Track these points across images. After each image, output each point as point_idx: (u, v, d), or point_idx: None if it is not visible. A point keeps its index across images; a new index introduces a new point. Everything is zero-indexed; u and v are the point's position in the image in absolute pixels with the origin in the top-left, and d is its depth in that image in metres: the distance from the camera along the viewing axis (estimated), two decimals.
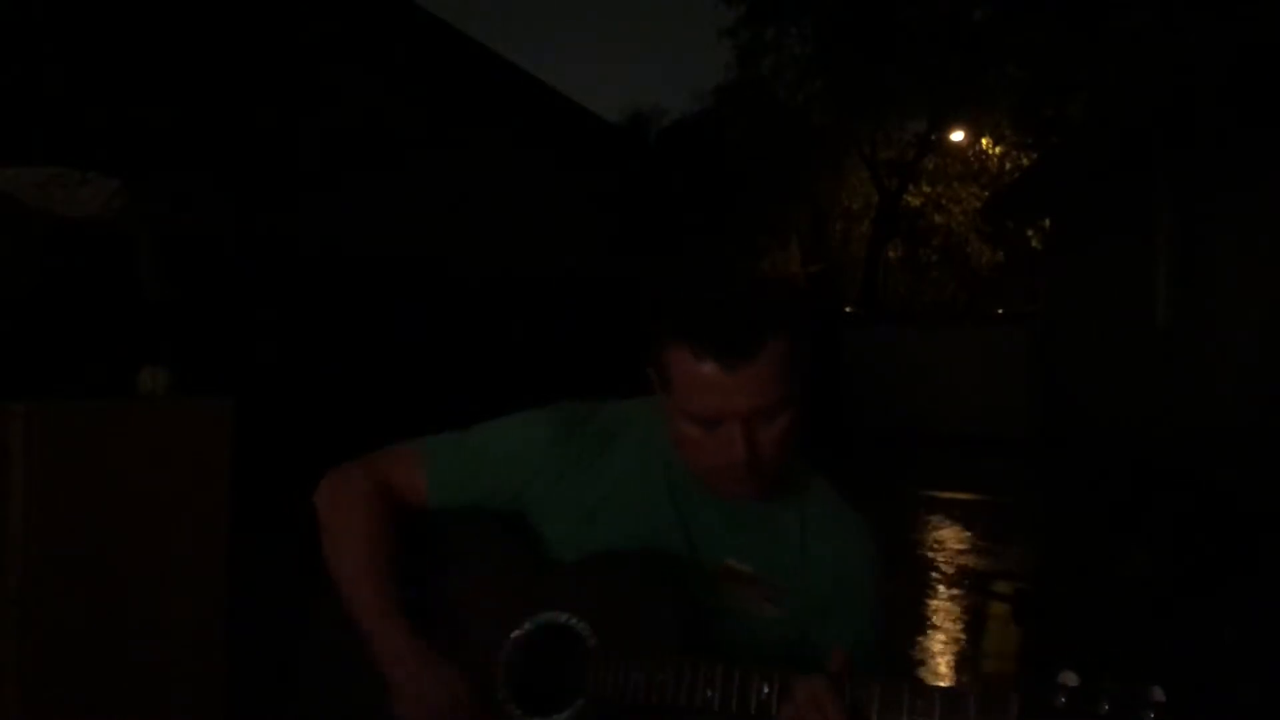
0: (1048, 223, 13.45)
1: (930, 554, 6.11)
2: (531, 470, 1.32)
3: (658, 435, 1.29)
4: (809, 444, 1.30)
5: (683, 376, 1.16)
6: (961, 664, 4.08)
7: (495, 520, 1.33)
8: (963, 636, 4.43)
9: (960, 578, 5.45)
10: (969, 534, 6.76)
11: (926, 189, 19.10)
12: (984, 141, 18.40)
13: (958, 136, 18.00)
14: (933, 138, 17.94)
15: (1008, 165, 18.01)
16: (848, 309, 17.43)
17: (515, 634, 1.23)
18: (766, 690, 1.09)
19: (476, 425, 1.38)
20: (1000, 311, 16.85)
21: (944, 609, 4.87)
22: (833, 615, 1.28)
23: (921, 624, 4.58)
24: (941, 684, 3.77)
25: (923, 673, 3.93)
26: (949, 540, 6.55)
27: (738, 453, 1.16)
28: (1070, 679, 1.00)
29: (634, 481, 1.31)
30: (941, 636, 4.43)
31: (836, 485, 1.38)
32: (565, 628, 1.20)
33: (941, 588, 5.27)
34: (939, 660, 4.11)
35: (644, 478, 1.31)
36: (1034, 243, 17.01)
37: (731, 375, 1.13)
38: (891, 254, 19.95)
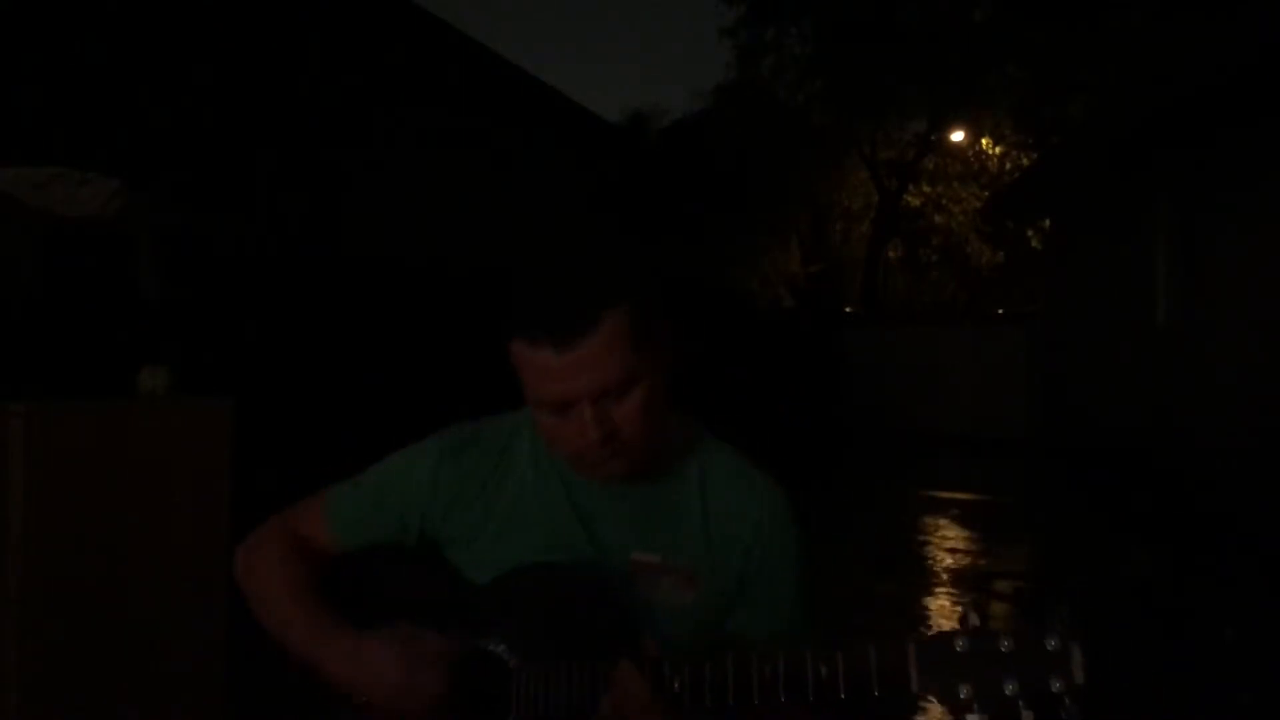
0: (1048, 223, 13.45)
1: (930, 554, 6.11)
2: (427, 497, 1.30)
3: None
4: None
5: (526, 366, 1.14)
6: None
7: (408, 556, 1.33)
8: None
9: (960, 578, 5.45)
10: (969, 534, 6.76)
11: (926, 189, 19.09)
12: (984, 141, 18.39)
13: (958, 136, 17.99)
14: (933, 138, 17.94)
15: (1008, 165, 18.00)
16: (848, 309, 17.44)
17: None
18: (600, 681, 1.09)
19: (372, 465, 1.37)
20: (1000, 311, 16.84)
21: (944, 609, 4.87)
22: (752, 588, 1.25)
23: (921, 624, 4.58)
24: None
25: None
26: (949, 540, 6.54)
27: (592, 435, 1.13)
28: (972, 619, 0.98)
29: (530, 490, 1.29)
30: None
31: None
32: (486, 653, 1.20)
33: (941, 588, 5.27)
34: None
35: (539, 484, 1.29)
36: (1034, 243, 17.00)
37: (568, 357, 1.10)
38: (891, 254, 19.94)
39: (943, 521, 7.20)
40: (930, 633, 1.00)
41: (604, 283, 1.14)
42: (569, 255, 1.22)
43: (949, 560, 5.91)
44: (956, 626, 1.00)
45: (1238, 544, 5.79)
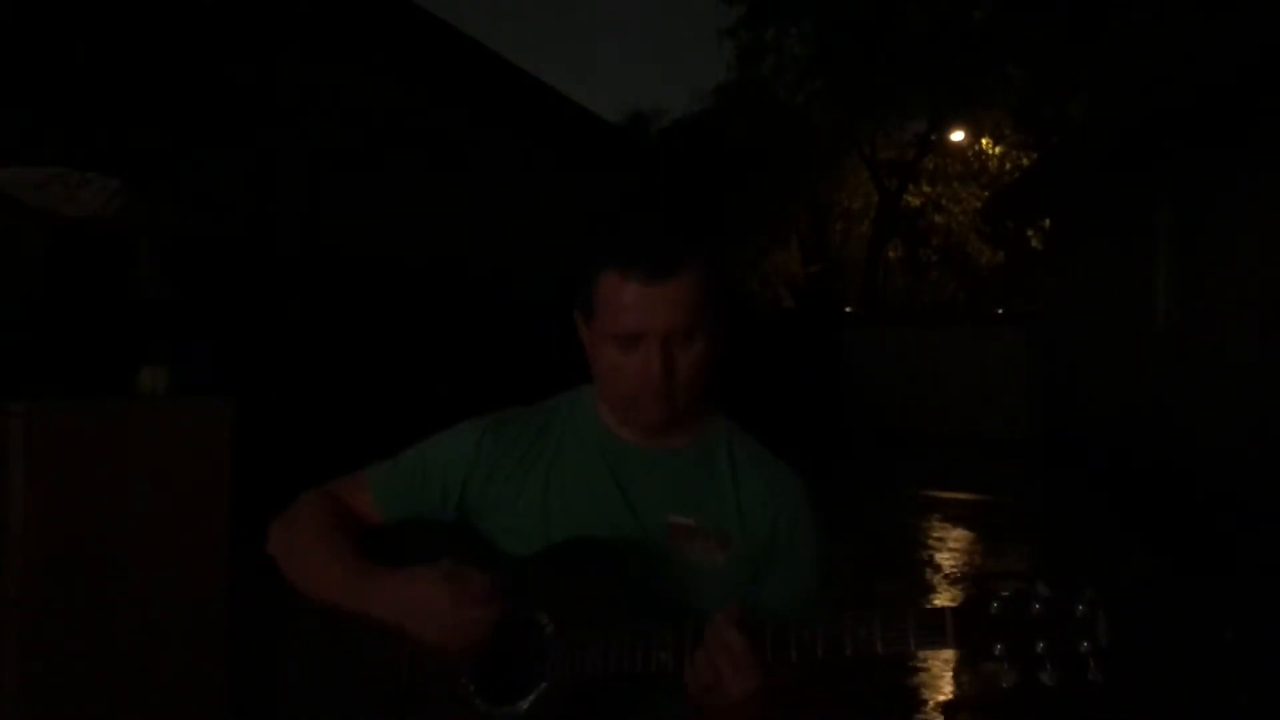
0: (1048, 223, 13.45)
1: (930, 554, 6.11)
2: (469, 464, 1.36)
3: (583, 411, 1.38)
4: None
5: (608, 298, 1.23)
6: (961, 664, 4.08)
7: (445, 528, 1.36)
8: None
9: (960, 578, 5.45)
10: (969, 534, 6.76)
11: (926, 189, 19.10)
12: (984, 141, 18.40)
13: (958, 136, 17.99)
14: (933, 138, 17.94)
15: (1008, 165, 18.00)
16: (848, 309, 17.44)
17: None
18: (689, 638, 1.13)
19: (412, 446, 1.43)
20: (1000, 311, 16.85)
21: None
22: (775, 564, 1.31)
23: None
24: (941, 685, 3.77)
25: (922, 671, 3.93)
26: (949, 540, 6.54)
27: (655, 370, 1.22)
28: (1005, 588, 1.04)
29: (568, 457, 1.35)
30: None
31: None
32: (522, 619, 1.23)
33: (941, 588, 5.27)
34: (938, 659, 4.11)
35: (578, 455, 1.35)
36: (1034, 243, 17.00)
37: (653, 290, 1.21)
38: (891, 254, 19.94)
39: (943, 521, 7.20)
40: (965, 601, 1.06)
41: (692, 234, 1.27)
42: (665, 213, 1.36)
43: (949, 560, 5.90)
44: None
45: (1238, 543, 5.79)
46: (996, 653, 1.01)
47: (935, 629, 1.04)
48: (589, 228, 1.34)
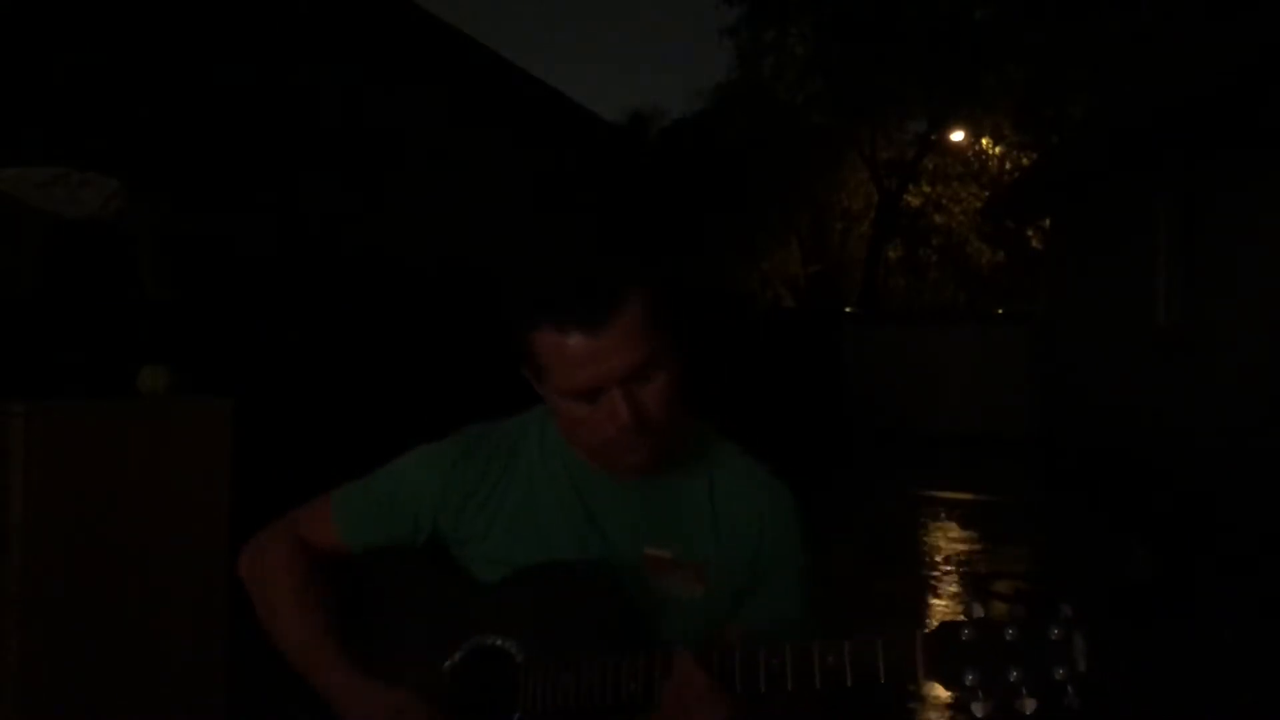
0: (1048, 223, 13.45)
1: (930, 554, 6.11)
2: (438, 497, 1.31)
3: (552, 438, 1.30)
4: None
5: (554, 355, 1.14)
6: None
7: (417, 554, 1.34)
8: None
9: (960, 578, 5.45)
10: (969, 534, 6.75)
11: (926, 189, 19.12)
12: (984, 141, 18.41)
13: (958, 136, 18.01)
14: (933, 138, 17.96)
15: (1008, 165, 18.02)
16: (848, 309, 17.44)
17: (448, 663, 1.25)
18: (657, 672, 1.11)
19: (381, 467, 1.38)
20: (1000, 311, 16.84)
21: (944, 609, 4.87)
22: (760, 581, 1.27)
23: (921, 624, 4.58)
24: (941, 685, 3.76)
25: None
26: (949, 540, 6.54)
27: (623, 417, 1.13)
28: (976, 610, 1.00)
29: (540, 489, 1.30)
30: None
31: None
32: (494, 649, 1.21)
33: (941, 588, 5.27)
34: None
35: (549, 484, 1.30)
36: (1034, 243, 17.02)
37: (598, 339, 1.11)
38: (891, 254, 19.96)
39: (943, 521, 7.20)
40: (937, 625, 1.02)
41: (627, 264, 1.16)
42: (590, 241, 1.24)
43: (949, 560, 5.91)
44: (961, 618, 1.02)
45: (1238, 544, 5.79)
46: (968, 682, 0.97)
47: (905, 658, 1.01)
48: (503, 273, 1.25)
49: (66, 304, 2.40)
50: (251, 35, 5.38)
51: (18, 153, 2.65)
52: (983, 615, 0.99)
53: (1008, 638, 0.97)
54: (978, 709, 0.97)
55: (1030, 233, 17.09)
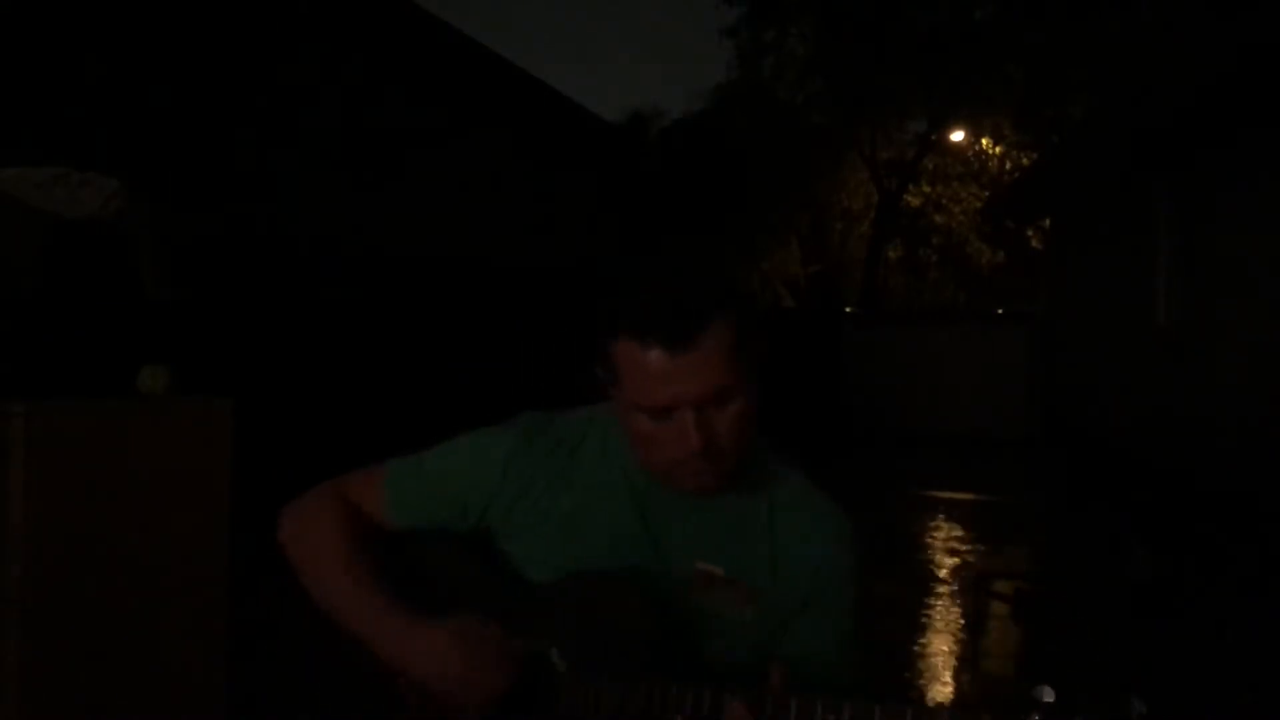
0: (1048, 223, 13.46)
1: (930, 554, 6.11)
2: (494, 487, 1.29)
3: (615, 443, 1.27)
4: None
5: (631, 368, 1.13)
6: (961, 664, 4.08)
7: (462, 544, 1.31)
8: (963, 636, 4.43)
9: (960, 578, 5.45)
10: (969, 534, 6.75)
11: (926, 189, 19.11)
12: (984, 141, 18.41)
13: (958, 136, 18.00)
14: (933, 138, 17.95)
15: (1008, 165, 18.01)
16: (848, 309, 17.43)
17: None
18: (707, 706, 1.08)
19: (439, 445, 1.35)
20: (1000, 311, 16.84)
21: (944, 609, 4.87)
22: (810, 611, 1.25)
23: (921, 624, 4.58)
24: (941, 685, 3.77)
25: (923, 672, 3.93)
26: (949, 540, 6.54)
27: (692, 442, 1.12)
28: (1046, 694, 0.96)
29: (597, 493, 1.28)
30: (941, 636, 4.43)
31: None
32: (536, 654, 1.20)
33: (941, 588, 5.27)
34: (938, 660, 4.11)
35: (606, 489, 1.27)
36: (1034, 243, 17.02)
37: (679, 360, 1.10)
38: (891, 254, 19.95)
39: (943, 521, 7.20)
40: (1003, 704, 0.99)
41: (718, 289, 1.15)
42: (684, 261, 1.23)
43: (949, 560, 5.91)
44: (1036, 688, 0.98)
45: (1239, 544, 5.79)
46: None
47: None
48: (603, 287, 1.22)
49: (67, 304, 2.40)
50: (252, 35, 5.38)
51: (18, 153, 2.64)
52: (1051, 700, 0.96)
53: None
54: None
55: (1030, 233, 17.09)
